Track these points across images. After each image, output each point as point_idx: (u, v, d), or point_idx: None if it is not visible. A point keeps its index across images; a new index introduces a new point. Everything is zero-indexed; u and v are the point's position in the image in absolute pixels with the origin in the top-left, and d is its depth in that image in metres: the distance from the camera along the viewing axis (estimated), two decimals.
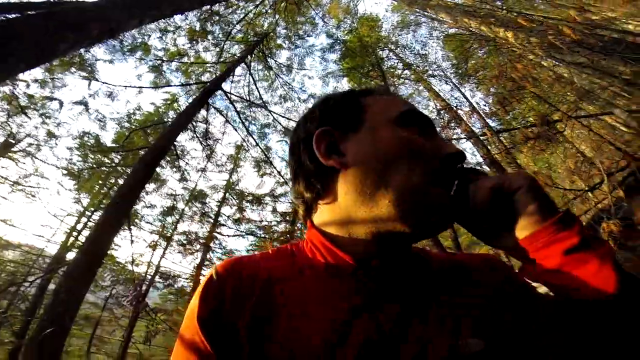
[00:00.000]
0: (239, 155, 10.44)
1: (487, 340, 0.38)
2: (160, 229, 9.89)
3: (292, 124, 8.10)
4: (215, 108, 4.97)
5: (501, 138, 8.86)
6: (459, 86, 8.14)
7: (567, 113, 8.53)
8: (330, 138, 0.48)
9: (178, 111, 5.91)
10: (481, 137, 7.50)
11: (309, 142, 0.49)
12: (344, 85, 8.25)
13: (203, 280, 0.46)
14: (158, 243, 9.63)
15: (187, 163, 6.84)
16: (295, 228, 8.36)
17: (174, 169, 7.18)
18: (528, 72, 3.57)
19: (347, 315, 0.39)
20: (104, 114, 6.78)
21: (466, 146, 6.64)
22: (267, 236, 8.91)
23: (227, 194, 10.20)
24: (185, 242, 9.62)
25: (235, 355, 0.39)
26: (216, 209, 9.98)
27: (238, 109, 5.43)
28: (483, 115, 8.03)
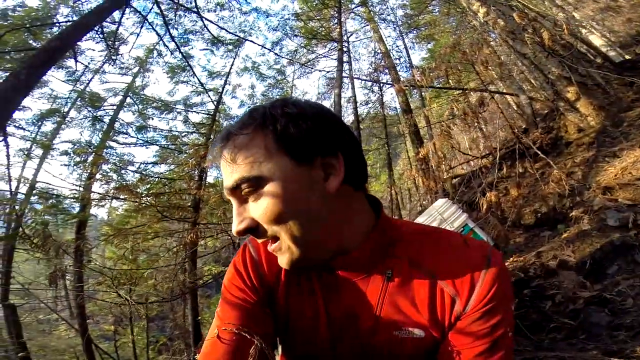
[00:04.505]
0: (148, 59, 8.48)
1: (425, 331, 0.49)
2: (35, 136, 7.77)
3: (225, 33, 6.83)
4: (134, 8, 3.66)
5: (423, 93, 9.53)
6: (403, 35, 8.07)
7: (485, 84, 9.56)
8: None
9: (77, 8, 4.14)
10: (404, 87, 7.85)
11: None
12: (295, 6, 7.11)
13: (238, 255, 0.59)
14: (32, 152, 7.64)
15: (82, 63, 5.20)
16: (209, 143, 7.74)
17: (59, 68, 5.40)
18: (482, 51, 3.75)
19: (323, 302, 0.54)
20: None
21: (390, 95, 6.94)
22: (174, 147, 8.11)
23: (128, 98, 8.45)
24: (71, 150, 7.89)
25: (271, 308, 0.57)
26: (112, 114, 8.24)
27: (163, 10, 4.16)
28: (415, 69, 8.35)
